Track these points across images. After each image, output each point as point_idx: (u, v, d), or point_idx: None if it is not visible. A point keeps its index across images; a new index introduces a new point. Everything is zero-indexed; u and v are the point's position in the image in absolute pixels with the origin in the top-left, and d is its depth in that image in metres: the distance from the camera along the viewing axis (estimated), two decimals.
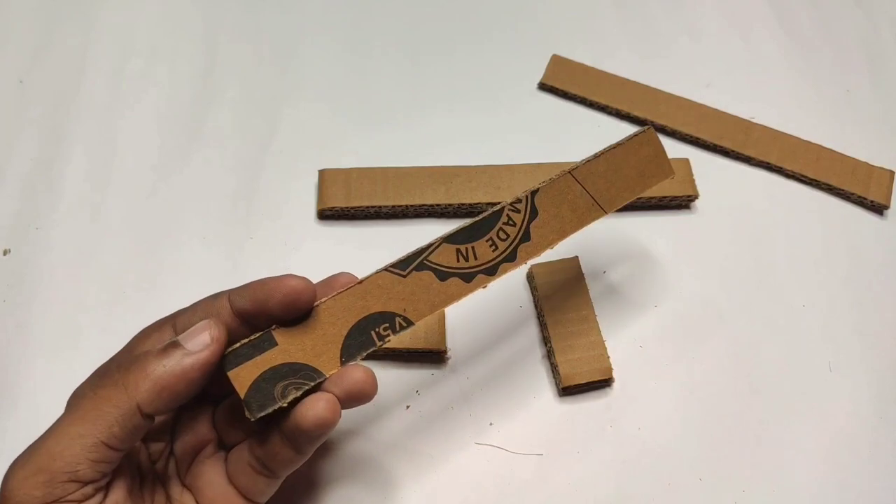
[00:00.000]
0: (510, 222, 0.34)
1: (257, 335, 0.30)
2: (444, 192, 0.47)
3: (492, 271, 0.33)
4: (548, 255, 0.45)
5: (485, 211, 0.34)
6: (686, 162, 0.48)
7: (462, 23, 0.56)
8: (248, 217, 0.47)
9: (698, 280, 0.46)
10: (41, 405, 0.41)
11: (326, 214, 0.47)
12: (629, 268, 0.46)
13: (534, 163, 0.48)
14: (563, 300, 0.43)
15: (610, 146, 0.36)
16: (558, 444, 0.41)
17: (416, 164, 0.48)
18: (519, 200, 0.34)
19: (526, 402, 0.42)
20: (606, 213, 0.36)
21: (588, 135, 0.51)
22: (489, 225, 0.33)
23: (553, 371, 0.42)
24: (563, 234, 0.35)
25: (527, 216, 0.34)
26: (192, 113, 0.51)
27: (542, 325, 0.44)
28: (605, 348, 0.42)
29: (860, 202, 0.49)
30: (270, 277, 0.30)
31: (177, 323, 0.32)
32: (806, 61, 0.55)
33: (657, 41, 0.56)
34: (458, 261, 0.33)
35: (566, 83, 0.52)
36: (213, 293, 0.32)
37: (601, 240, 0.47)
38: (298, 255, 0.46)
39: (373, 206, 0.46)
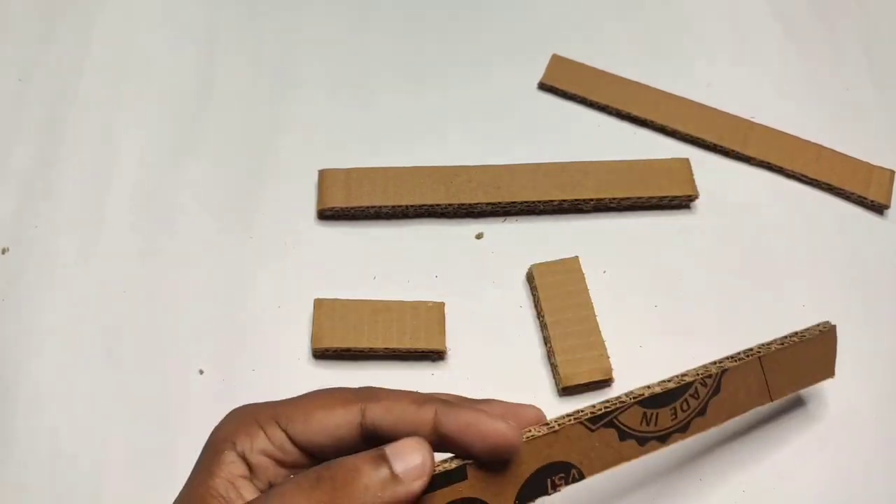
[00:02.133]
0: (696, 395, 0.34)
1: (453, 467, 0.28)
2: (444, 192, 0.47)
3: (664, 439, 0.33)
4: (548, 256, 0.45)
5: (676, 379, 0.33)
6: (686, 162, 0.48)
7: (462, 22, 0.56)
8: (248, 217, 0.47)
9: (698, 280, 0.46)
10: (41, 404, 0.41)
11: (326, 214, 0.47)
12: (629, 268, 0.46)
13: (534, 163, 0.48)
14: (563, 300, 0.43)
15: (795, 336, 0.37)
16: None
17: (416, 164, 0.48)
18: (710, 376, 0.34)
19: (526, 401, 0.42)
20: (772, 401, 0.36)
21: (588, 135, 0.51)
22: (678, 394, 0.33)
23: (553, 371, 0.42)
24: (732, 415, 0.35)
25: (710, 392, 0.34)
26: (191, 112, 0.51)
27: (542, 325, 0.43)
28: (605, 348, 0.42)
29: (860, 202, 0.49)
30: (484, 416, 0.28)
31: (366, 413, 0.28)
32: (806, 61, 0.55)
33: (657, 41, 0.56)
34: (641, 424, 0.32)
35: (566, 83, 0.52)
36: (414, 393, 0.30)
37: (601, 240, 0.47)
38: (298, 255, 0.46)
39: (373, 206, 0.46)
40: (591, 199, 0.47)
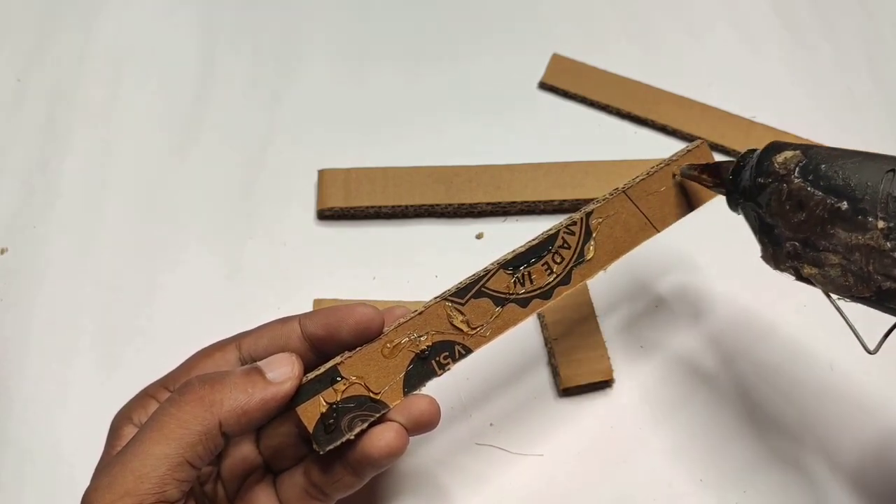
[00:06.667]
0: (565, 245, 0.33)
1: (323, 370, 0.30)
2: (444, 192, 0.47)
3: (547, 295, 0.33)
4: None
5: (540, 235, 0.33)
6: None
7: (462, 22, 0.56)
8: (248, 217, 0.47)
9: (699, 280, 0.46)
10: (38, 404, 0.41)
11: (326, 214, 0.47)
12: (629, 268, 0.46)
13: (534, 162, 0.48)
14: (563, 301, 0.43)
15: (662, 162, 0.35)
16: (558, 444, 0.41)
17: (416, 164, 0.48)
18: (574, 223, 0.33)
19: (526, 402, 0.42)
20: (659, 231, 0.35)
21: (588, 134, 0.51)
22: (544, 248, 0.33)
23: (553, 372, 0.42)
24: (616, 255, 0.34)
25: (581, 238, 0.33)
26: (190, 113, 0.51)
27: (543, 326, 0.43)
28: (606, 349, 0.42)
29: None
30: (341, 305, 0.31)
31: (241, 345, 0.32)
32: (807, 60, 0.55)
33: (658, 40, 0.56)
34: (515, 286, 0.32)
35: (566, 83, 0.52)
36: (280, 317, 0.32)
37: None
38: (298, 255, 0.46)
39: (373, 207, 0.46)
40: (592, 199, 0.47)
